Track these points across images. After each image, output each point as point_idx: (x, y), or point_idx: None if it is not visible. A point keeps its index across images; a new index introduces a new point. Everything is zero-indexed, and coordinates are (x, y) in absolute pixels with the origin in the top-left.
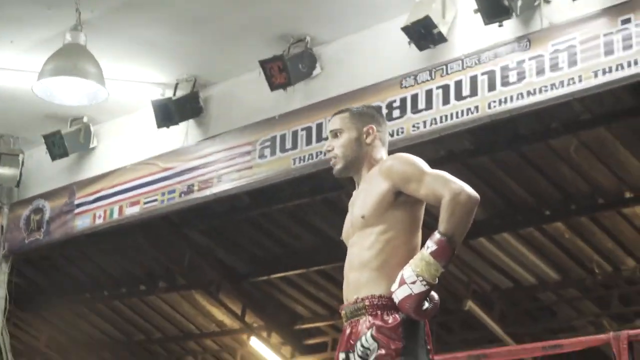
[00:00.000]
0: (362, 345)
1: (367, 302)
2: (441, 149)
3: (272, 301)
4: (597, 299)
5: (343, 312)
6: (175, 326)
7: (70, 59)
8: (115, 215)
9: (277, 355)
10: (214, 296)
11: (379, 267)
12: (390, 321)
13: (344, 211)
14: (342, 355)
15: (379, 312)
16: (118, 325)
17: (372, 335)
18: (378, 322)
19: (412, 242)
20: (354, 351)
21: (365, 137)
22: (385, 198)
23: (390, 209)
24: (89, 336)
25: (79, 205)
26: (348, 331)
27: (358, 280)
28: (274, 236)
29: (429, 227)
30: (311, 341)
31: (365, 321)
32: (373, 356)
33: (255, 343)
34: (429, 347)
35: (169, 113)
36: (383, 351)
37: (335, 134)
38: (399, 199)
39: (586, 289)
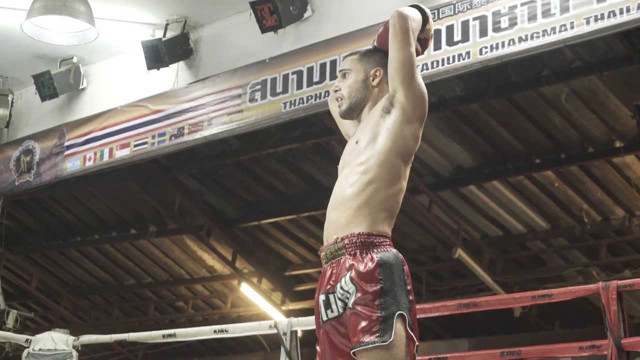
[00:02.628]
0: (342, 288)
1: (346, 241)
2: (432, 95)
3: (263, 247)
4: (586, 249)
5: (323, 254)
6: (165, 271)
7: None
8: (106, 158)
9: (268, 301)
10: (205, 241)
11: (360, 206)
12: (367, 263)
13: (335, 157)
14: (322, 297)
15: (357, 252)
16: (109, 269)
17: (350, 278)
18: (356, 264)
19: (394, 186)
20: (334, 292)
21: (372, 80)
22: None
23: (381, 138)
24: (80, 280)
25: (68, 147)
26: (328, 273)
27: (338, 219)
28: (264, 181)
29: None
30: (301, 287)
31: (344, 262)
32: (352, 299)
33: (245, 289)
34: (408, 287)
35: (159, 54)
36: (361, 294)
37: (343, 74)
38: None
39: (575, 239)
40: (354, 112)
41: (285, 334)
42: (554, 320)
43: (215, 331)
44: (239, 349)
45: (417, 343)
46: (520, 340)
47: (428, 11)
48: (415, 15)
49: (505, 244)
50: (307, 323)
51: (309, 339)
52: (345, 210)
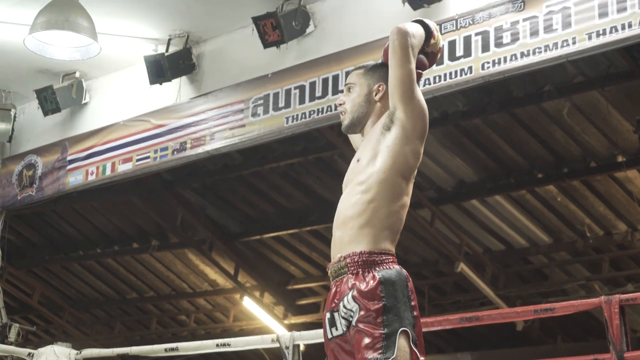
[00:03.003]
0: (345, 307)
1: (348, 260)
2: (434, 110)
3: (265, 261)
4: (589, 263)
5: (329, 272)
6: (168, 285)
7: (63, 12)
8: (108, 172)
9: (270, 315)
10: (207, 255)
11: (362, 225)
12: (369, 281)
13: (337, 171)
14: (327, 315)
15: (359, 271)
16: (111, 283)
17: (352, 297)
18: (358, 283)
19: (395, 204)
20: (338, 311)
21: (375, 95)
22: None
23: (380, 156)
24: (82, 294)
25: (71, 162)
26: (333, 291)
27: (341, 238)
28: (266, 195)
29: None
30: (304, 301)
31: (347, 281)
32: (355, 317)
33: (248, 303)
34: (413, 303)
35: (162, 69)
36: (364, 312)
37: (348, 88)
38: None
39: (577, 253)
40: (356, 126)
41: (287, 347)
42: (557, 334)
43: (217, 345)
44: None
45: (421, 358)
46: (523, 354)
47: (432, 25)
48: (416, 31)
49: (507, 258)
50: (310, 337)
51: (312, 352)
52: (347, 229)
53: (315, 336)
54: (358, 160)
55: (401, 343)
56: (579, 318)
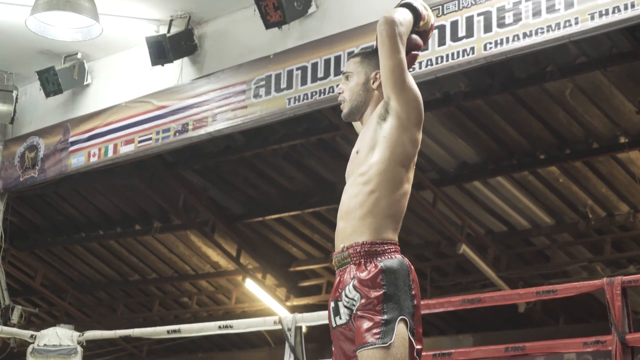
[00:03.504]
0: (347, 296)
1: (351, 251)
2: (436, 91)
3: (267, 243)
4: (591, 244)
5: (333, 261)
6: (170, 267)
7: None
8: (110, 154)
9: (272, 297)
10: (209, 237)
11: (364, 216)
12: (371, 270)
13: (339, 153)
14: (332, 304)
15: (362, 261)
16: (113, 265)
17: (353, 286)
18: (359, 273)
19: (396, 193)
20: (341, 300)
21: (372, 83)
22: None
23: (379, 147)
24: (84, 276)
25: (73, 143)
26: (337, 280)
27: (345, 229)
28: (269, 177)
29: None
30: (306, 283)
31: (349, 271)
32: (357, 305)
33: (250, 285)
34: (413, 292)
35: (164, 50)
36: (365, 300)
37: (346, 77)
38: (384, 125)
39: (580, 234)
40: (354, 114)
41: (289, 329)
42: (559, 316)
43: (219, 327)
44: (243, 345)
45: (417, 347)
46: (525, 335)
47: (419, 5)
48: (403, 18)
49: (509, 239)
50: (312, 319)
51: (314, 334)
52: (349, 220)
53: (317, 318)
54: (357, 152)
55: (399, 330)
56: (581, 300)
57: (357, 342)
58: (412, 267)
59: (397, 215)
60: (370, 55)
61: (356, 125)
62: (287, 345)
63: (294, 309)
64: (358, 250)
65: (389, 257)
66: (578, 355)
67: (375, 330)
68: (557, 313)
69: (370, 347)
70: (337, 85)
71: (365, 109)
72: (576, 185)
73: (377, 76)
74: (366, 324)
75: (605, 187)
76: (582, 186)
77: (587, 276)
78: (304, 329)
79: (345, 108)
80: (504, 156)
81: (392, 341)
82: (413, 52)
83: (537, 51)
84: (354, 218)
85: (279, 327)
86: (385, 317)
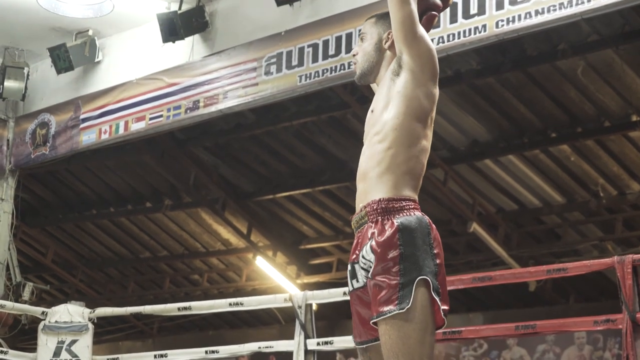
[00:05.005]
0: (364, 257)
1: (368, 209)
2: (448, 69)
3: (278, 220)
4: (602, 223)
5: (352, 224)
6: (181, 244)
7: None
8: (121, 131)
9: (283, 274)
10: (220, 214)
11: (381, 173)
12: (387, 229)
13: (350, 130)
14: (349, 267)
15: (379, 219)
16: (124, 242)
17: (370, 247)
18: (377, 233)
19: (413, 149)
20: (358, 262)
21: (384, 43)
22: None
23: (393, 102)
24: (95, 253)
25: (84, 120)
26: (355, 242)
27: (363, 189)
28: (279, 155)
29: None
30: (316, 261)
31: (367, 230)
32: (372, 269)
33: (260, 262)
34: (435, 251)
35: (175, 27)
36: (381, 263)
37: (361, 38)
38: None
39: (591, 213)
40: (367, 76)
41: (300, 307)
42: (569, 295)
43: (230, 304)
44: (254, 322)
45: (443, 307)
46: (535, 314)
47: None
48: None
49: (520, 218)
50: (322, 296)
51: (324, 312)
52: (367, 180)
53: (327, 295)
54: (372, 111)
55: (419, 292)
56: (591, 278)
57: (373, 311)
58: (434, 225)
59: (415, 172)
60: (385, 16)
61: (373, 87)
62: (297, 322)
63: (304, 287)
64: (375, 207)
65: (407, 214)
66: (588, 334)
67: (392, 297)
68: (567, 291)
69: (387, 315)
70: (349, 63)
71: (378, 69)
72: (587, 164)
73: (389, 36)
74: (382, 292)
75: (617, 166)
76: (593, 164)
77: (597, 255)
78: (314, 307)
79: (357, 69)
80: (515, 134)
81: (409, 305)
82: (431, 13)
83: (549, 29)
84: (371, 178)
85: (289, 304)
86: (401, 279)
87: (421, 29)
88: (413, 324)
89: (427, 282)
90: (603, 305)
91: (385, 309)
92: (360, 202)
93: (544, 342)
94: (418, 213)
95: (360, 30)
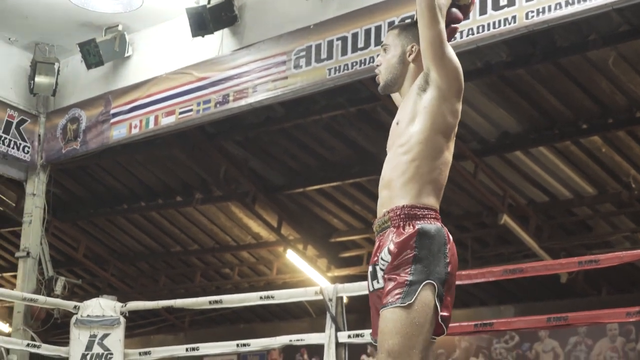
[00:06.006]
0: (382, 259)
1: (391, 214)
2: (477, 60)
3: (308, 213)
4: (633, 214)
5: (374, 227)
6: (212, 238)
7: None
8: (151, 125)
9: (313, 267)
10: (250, 208)
11: (405, 182)
12: (407, 232)
13: (379, 123)
14: (370, 268)
15: (401, 224)
16: (155, 236)
17: (388, 249)
18: (396, 236)
19: (437, 161)
20: (378, 264)
21: (408, 55)
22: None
23: (419, 117)
24: (126, 247)
25: (114, 115)
26: (376, 245)
27: (387, 196)
28: (309, 148)
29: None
30: (347, 254)
31: (388, 234)
32: (385, 268)
33: (291, 255)
34: (448, 260)
35: (204, 22)
36: (394, 262)
37: (384, 49)
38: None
39: (622, 204)
40: (391, 87)
41: (330, 300)
42: (601, 286)
43: (261, 297)
44: (284, 316)
45: (442, 313)
46: (567, 306)
47: None
48: None
49: (551, 209)
50: (353, 289)
51: (355, 305)
52: (391, 189)
53: (358, 288)
54: (397, 123)
55: (424, 294)
56: (623, 269)
57: (382, 303)
58: (451, 238)
59: (438, 183)
60: (408, 28)
61: (394, 96)
62: (328, 315)
63: (334, 280)
64: (398, 213)
65: (428, 222)
66: (621, 326)
67: (397, 291)
68: (599, 283)
69: (390, 306)
70: (377, 56)
71: (402, 81)
72: (619, 155)
73: (414, 49)
74: (391, 285)
75: None
76: (624, 156)
77: (629, 246)
78: (345, 300)
79: (381, 81)
80: (545, 126)
81: (411, 302)
82: (452, 26)
83: (580, 19)
84: (395, 187)
85: (320, 297)
86: (410, 278)
87: (449, 48)
88: (410, 319)
89: (433, 286)
90: (635, 297)
91: (390, 300)
92: (384, 207)
93: (575, 334)
94: (438, 224)
95: (382, 42)
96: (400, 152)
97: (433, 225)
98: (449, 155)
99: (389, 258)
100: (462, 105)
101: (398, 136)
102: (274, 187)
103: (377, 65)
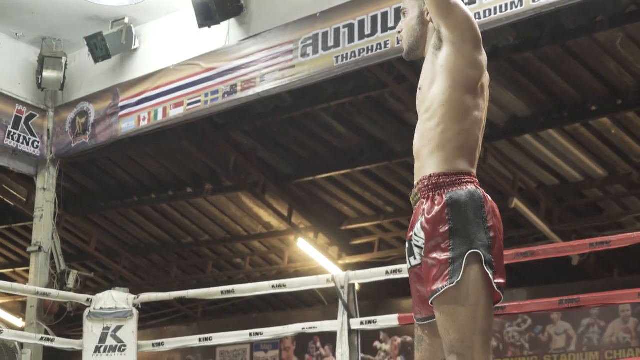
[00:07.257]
0: (416, 235)
1: (420, 185)
2: (484, 44)
3: (318, 202)
4: None
5: (410, 199)
6: (223, 228)
7: None
8: (160, 117)
9: (325, 255)
10: (260, 197)
11: (432, 150)
12: (438, 204)
13: (388, 110)
14: (407, 245)
15: (430, 194)
16: (166, 228)
17: (421, 225)
18: (426, 209)
19: (464, 122)
20: (413, 240)
21: (427, 15)
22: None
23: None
24: (138, 239)
25: (123, 108)
26: (412, 219)
27: (418, 167)
28: (318, 136)
29: None
30: (358, 241)
31: (420, 207)
32: (424, 247)
33: (302, 244)
34: (489, 224)
35: (210, 12)
36: (431, 240)
37: (403, 13)
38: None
39: (633, 185)
40: (415, 50)
41: (342, 287)
42: (613, 268)
43: (273, 286)
44: (297, 304)
45: (497, 280)
46: (579, 288)
47: None
48: None
49: (561, 192)
50: (364, 276)
51: (367, 292)
52: (421, 159)
53: (369, 275)
54: (420, 88)
55: (470, 266)
56: (635, 251)
57: (428, 291)
58: (489, 198)
59: (468, 145)
60: None
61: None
62: (340, 303)
63: (346, 267)
64: (426, 183)
65: (459, 188)
66: (633, 307)
67: (444, 273)
68: (611, 265)
69: (439, 292)
70: (385, 42)
71: (425, 43)
72: (629, 136)
73: None
74: (434, 270)
75: None
76: (634, 137)
77: None
78: (356, 287)
79: (404, 46)
80: (554, 108)
81: (459, 279)
82: None
83: (587, 1)
84: (423, 156)
85: (332, 285)
86: (451, 254)
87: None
88: (463, 299)
89: (479, 255)
90: None
91: (437, 286)
92: (416, 179)
93: (588, 315)
94: (471, 186)
95: (400, 7)
96: (425, 118)
97: (464, 190)
98: (478, 113)
99: (422, 235)
100: (483, 55)
101: (422, 102)
102: (284, 176)
103: (399, 32)
